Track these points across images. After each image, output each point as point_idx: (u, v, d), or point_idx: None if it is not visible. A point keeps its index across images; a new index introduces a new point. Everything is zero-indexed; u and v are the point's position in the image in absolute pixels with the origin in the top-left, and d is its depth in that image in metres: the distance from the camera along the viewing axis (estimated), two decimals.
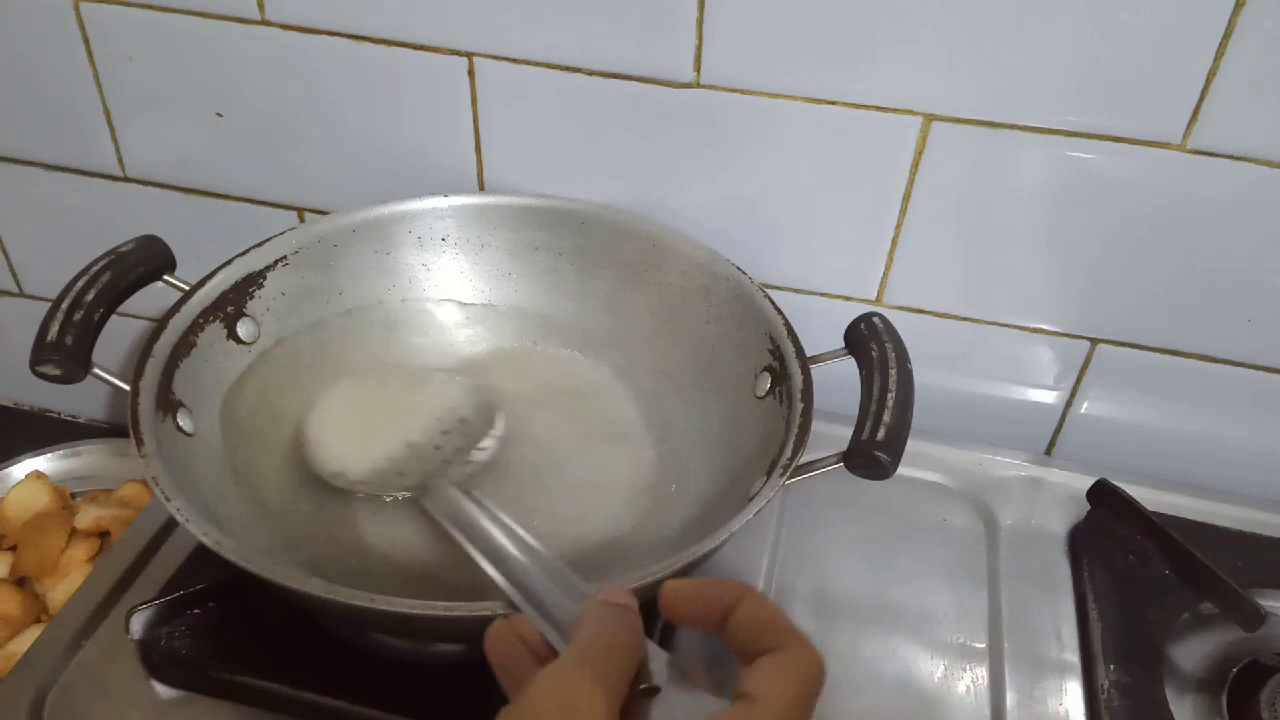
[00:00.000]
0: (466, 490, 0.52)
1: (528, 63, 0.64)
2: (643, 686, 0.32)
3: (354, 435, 0.59)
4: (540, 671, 0.31)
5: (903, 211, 0.65)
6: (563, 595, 0.40)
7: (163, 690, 0.54)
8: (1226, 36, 0.54)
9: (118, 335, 0.60)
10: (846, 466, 0.50)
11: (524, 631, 0.35)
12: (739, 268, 0.62)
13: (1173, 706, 0.56)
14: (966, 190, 0.63)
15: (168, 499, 0.46)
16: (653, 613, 0.57)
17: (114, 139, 0.75)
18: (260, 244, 0.62)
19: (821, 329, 0.58)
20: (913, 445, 0.50)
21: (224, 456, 0.56)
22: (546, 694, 0.30)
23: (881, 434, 0.49)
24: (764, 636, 0.33)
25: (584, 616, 0.34)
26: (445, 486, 0.53)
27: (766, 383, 0.57)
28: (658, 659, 0.33)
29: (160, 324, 0.55)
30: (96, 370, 0.53)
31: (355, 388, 0.63)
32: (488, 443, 0.60)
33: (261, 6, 0.66)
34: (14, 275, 0.87)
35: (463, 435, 0.59)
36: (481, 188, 0.71)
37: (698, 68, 0.62)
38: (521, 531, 0.46)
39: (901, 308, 0.70)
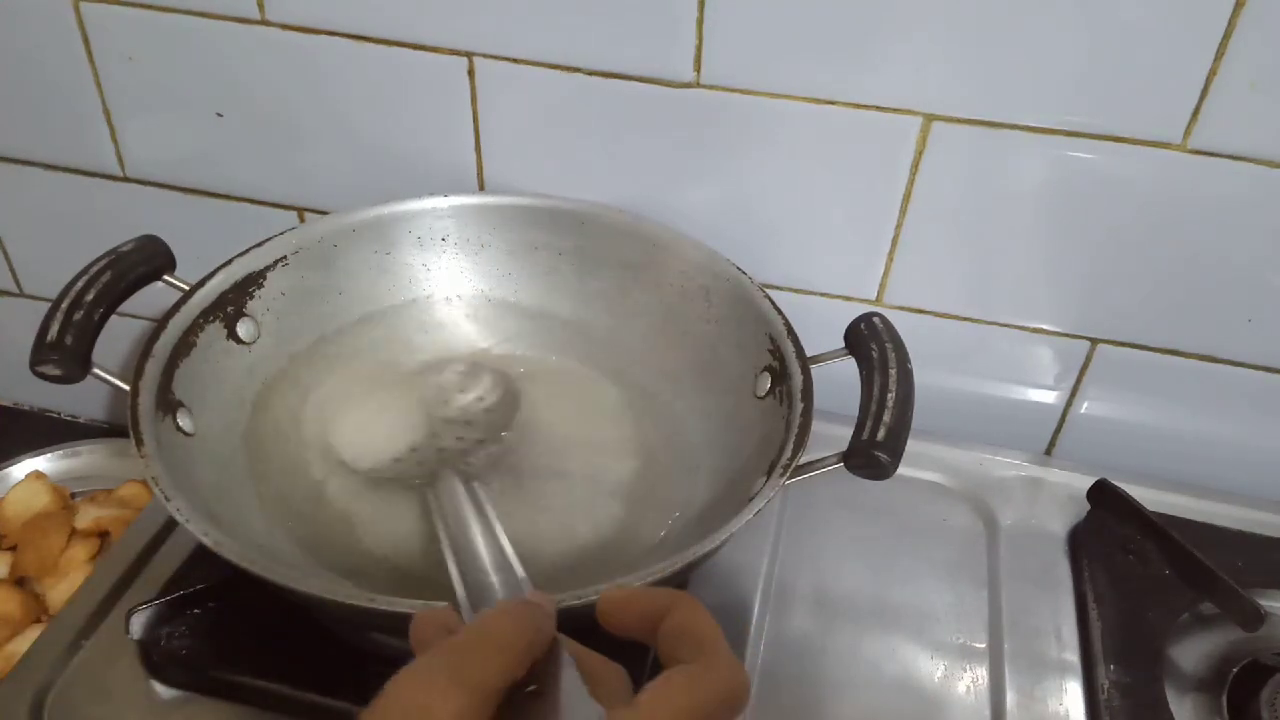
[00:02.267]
0: (471, 488, 0.51)
1: (528, 63, 0.64)
2: (529, 689, 0.30)
3: (380, 423, 0.60)
4: (402, 669, 0.29)
5: (903, 211, 0.65)
6: (508, 588, 0.39)
7: (163, 690, 0.54)
8: (1226, 36, 0.54)
9: (118, 335, 0.60)
10: (846, 466, 0.50)
11: (451, 624, 0.34)
12: (739, 268, 0.62)
13: (1173, 706, 0.56)
14: (966, 190, 0.63)
15: (168, 499, 0.46)
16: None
17: (114, 139, 0.75)
18: (260, 244, 0.62)
19: (821, 329, 0.58)
20: (913, 445, 0.50)
21: (226, 458, 0.56)
22: (402, 692, 0.28)
23: (881, 434, 0.49)
24: (684, 647, 0.31)
25: (481, 614, 0.32)
26: (451, 477, 0.53)
27: (766, 383, 0.57)
28: (567, 663, 0.31)
29: (160, 324, 0.55)
30: (96, 370, 0.53)
31: (381, 375, 0.63)
32: (508, 433, 0.60)
33: (262, 6, 0.66)
34: (14, 275, 0.87)
35: (486, 426, 0.60)
36: (481, 188, 0.71)
37: (698, 68, 0.62)
38: (505, 543, 0.44)
39: (901, 308, 0.70)
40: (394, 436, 0.59)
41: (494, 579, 0.40)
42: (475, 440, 0.59)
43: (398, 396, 0.62)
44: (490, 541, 0.45)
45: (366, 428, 0.60)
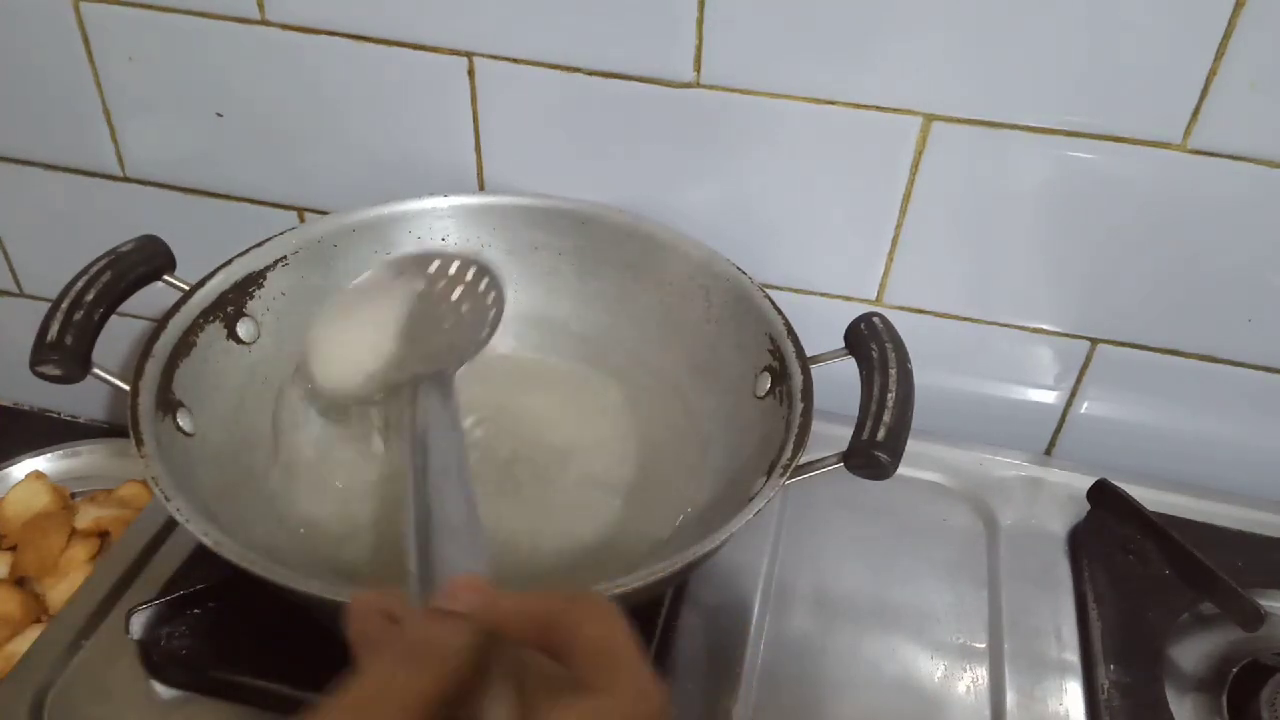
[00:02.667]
0: (450, 404, 0.48)
1: (528, 63, 0.64)
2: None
3: (354, 338, 0.57)
4: None
5: (903, 211, 0.65)
6: (464, 561, 0.35)
7: (163, 690, 0.54)
8: (1226, 36, 0.54)
9: (118, 335, 0.60)
10: (846, 466, 0.50)
11: (392, 607, 0.31)
12: (739, 268, 0.62)
13: (1173, 706, 0.56)
14: (966, 190, 0.63)
15: (168, 499, 0.46)
16: (652, 613, 0.57)
17: (114, 139, 0.75)
18: (260, 244, 0.62)
19: (821, 329, 0.58)
20: (913, 445, 0.50)
21: (226, 458, 0.56)
22: None
23: (881, 434, 0.49)
24: (594, 667, 0.28)
25: (385, 641, 0.29)
26: (430, 393, 0.49)
27: (766, 383, 0.57)
28: (495, 695, 0.29)
29: (160, 324, 0.55)
30: (96, 370, 0.53)
31: (354, 293, 0.59)
32: (491, 320, 0.57)
33: (261, 6, 0.66)
34: (14, 275, 0.87)
35: (469, 324, 0.57)
36: (481, 188, 0.71)
37: (698, 68, 0.62)
38: (464, 478, 0.41)
39: (901, 308, 0.70)
40: (370, 349, 0.56)
41: (448, 548, 0.36)
42: (456, 341, 0.56)
43: (377, 307, 0.58)
44: (457, 487, 0.41)
45: (341, 346, 0.57)
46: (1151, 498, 0.65)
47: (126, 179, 0.77)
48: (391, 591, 0.32)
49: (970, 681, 0.58)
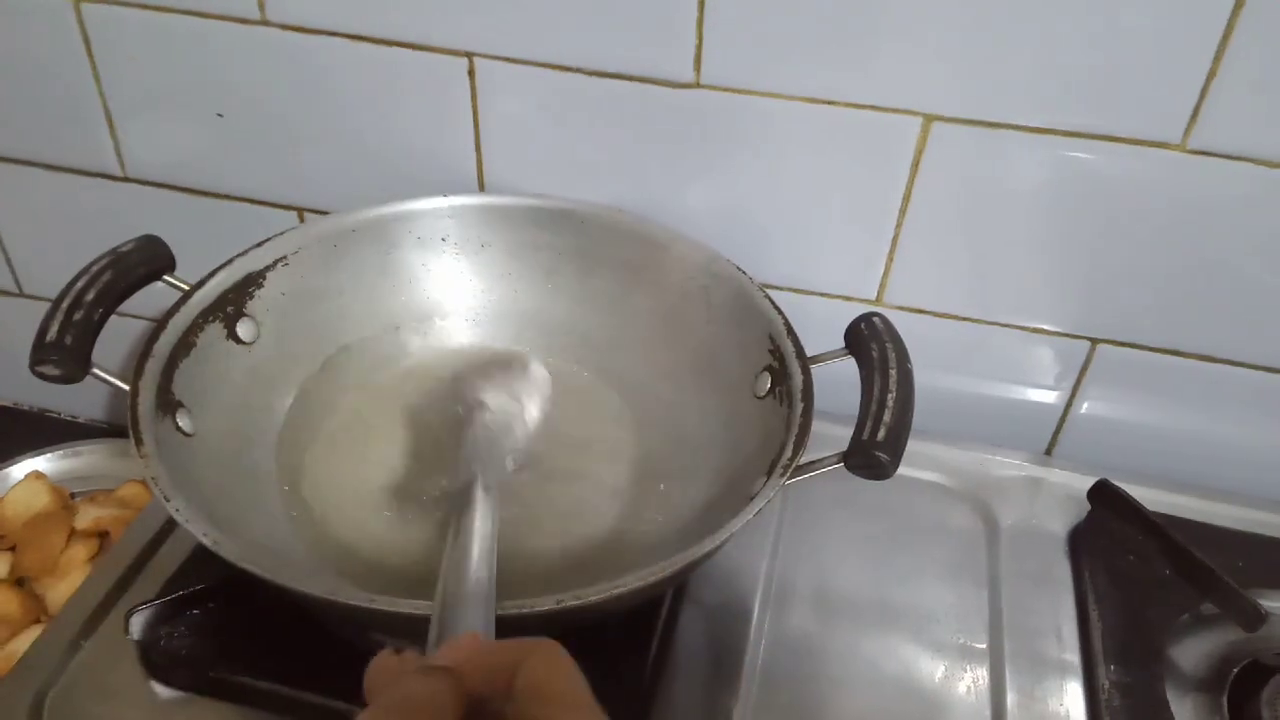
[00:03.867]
0: (492, 500, 0.49)
1: (528, 63, 0.64)
2: None
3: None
4: None
5: (903, 211, 0.65)
6: (473, 625, 0.38)
7: (163, 691, 0.54)
8: (1226, 36, 0.54)
9: (118, 335, 0.60)
10: (846, 466, 0.50)
11: (400, 665, 0.32)
12: (739, 268, 0.62)
13: (1173, 706, 0.56)
14: (966, 190, 0.63)
15: (167, 499, 0.46)
16: (652, 613, 0.57)
17: (114, 139, 0.75)
18: (260, 244, 0.62)
19: (821, 329, 0.58)
20: (913, 445, 0.50)
21: (225, 459, 0.56)
22: None
23: (881, 434, 0.49)
24: (537, 709, 0.28)
25: (384, 694, 0.30)
26: (478, 492, 0.50)
27: (766, 383, 0.57)
28: None
29: (160, 324, 0.55)
30: (96, 370, 0.53)
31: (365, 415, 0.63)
32: (533, 410, 0.59)
33: (261, 6, 0.66)
34: (14, 275, 0.87)
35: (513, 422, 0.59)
36: (481, 188, 0.71)
37: (698, 68, 0.62)
38: (491, 568, 0.43)
39: (901, 308, 0.70)
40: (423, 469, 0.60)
41: (467, 612, 0.39)
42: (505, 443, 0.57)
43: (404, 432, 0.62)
44: (482, 563, 0.43)
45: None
46: (1151, 498, 0.65)
47: (126, 179, 0.77)
48: (408, 652, 0.33)
49: (970, 681, 0.58)
